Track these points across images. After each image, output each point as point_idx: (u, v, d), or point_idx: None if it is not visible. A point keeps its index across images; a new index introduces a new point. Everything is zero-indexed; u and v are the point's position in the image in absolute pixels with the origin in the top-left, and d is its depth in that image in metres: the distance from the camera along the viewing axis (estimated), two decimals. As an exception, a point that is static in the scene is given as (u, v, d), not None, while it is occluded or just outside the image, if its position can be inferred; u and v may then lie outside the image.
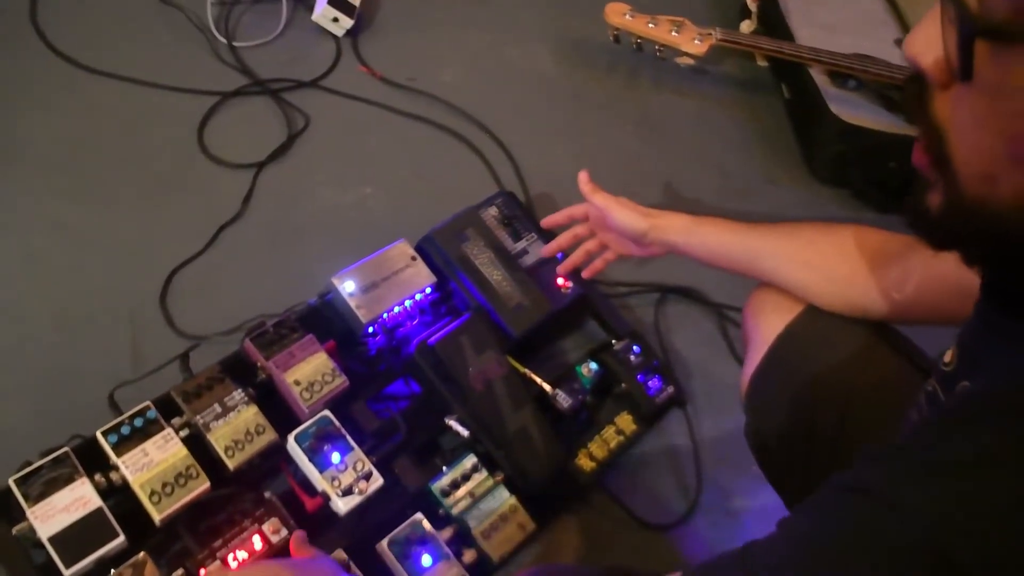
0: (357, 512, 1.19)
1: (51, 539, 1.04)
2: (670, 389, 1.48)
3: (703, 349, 1.65)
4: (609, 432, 1.42)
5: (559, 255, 1.42)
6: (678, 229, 1.19)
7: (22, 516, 1.06)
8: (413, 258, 1.38)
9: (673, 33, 1.92)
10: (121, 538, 1.06)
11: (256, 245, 1.57)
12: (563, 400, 1.36)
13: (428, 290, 1.37)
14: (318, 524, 1.19)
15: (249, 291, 1.47)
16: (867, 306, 1.06)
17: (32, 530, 1.05)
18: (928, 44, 0.55)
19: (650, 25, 1.92)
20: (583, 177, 1.27)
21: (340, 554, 1.13)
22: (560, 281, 1.46)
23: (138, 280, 1.47)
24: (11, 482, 1.07)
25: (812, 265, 1.09)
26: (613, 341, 1.48)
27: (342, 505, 1.17)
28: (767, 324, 1.15)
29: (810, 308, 1.11)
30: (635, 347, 1.48)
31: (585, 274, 1.39)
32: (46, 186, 1.56)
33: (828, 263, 1.08)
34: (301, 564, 1.03)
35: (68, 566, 1.03)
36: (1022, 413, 0.54)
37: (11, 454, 1.11)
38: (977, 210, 0.57)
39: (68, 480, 1.08)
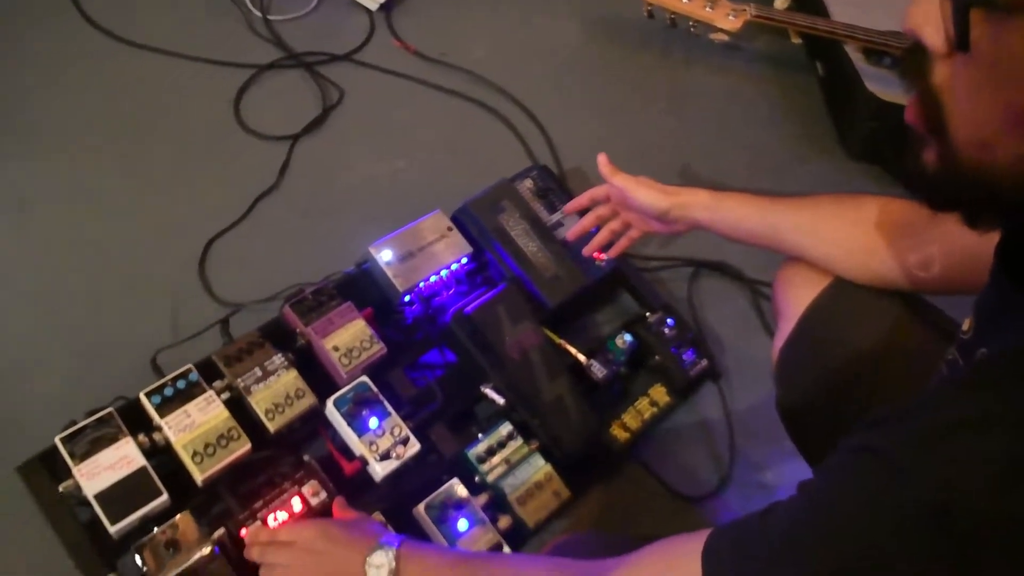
0: (394, 477, 1.21)
1: (97, 496, 1.06)
2: (704, 362, 1.48)
3: (736, 324, 1.65)
4: (643, 403, 1.42)
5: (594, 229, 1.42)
6: (701, 205, 1.19)
7: (68, 474, 1.08)
8: (449, 228, 1.38)
9: (707, 9, 1.91)
10: (165, 496, 1.08)
11: (292, 215, 1.58)
12: (598, 371, 1.37)
13: (464, 260, 1.38)
14: (356, 488, 1.20)
15: (286, 260, 1.48)
16: (891, 277, 1.06)
17: (78, 488, 1.08)
18: (927, 16, 0.56)
19: (684, 0, 1.91)
20: (602, 159, 1.27)
21: (378, 517, 1.15)
22: (595, 253, 1.46)
23: (176, 250, 1.48)
24: (57, 440, 1.09)
25: (834, 239, 1.09)
26: (647, 314, 1.48)
27: (379, 469, 1.18)
28: (796, 296, 1.15)
29: (838, 280, 1.11)
30: (669, 320, 1.48)
31: (611, 254, 1.39)
32: (84, 157, 1.58)
33: (850, 236, 1.08)
34: (347, 524, 1.04)
35: (113, 523, 1.05)
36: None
37: (55, 417, 1.13)
38: (973, 174, 0.58)
39: (113, 439, 1.10)
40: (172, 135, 1.65)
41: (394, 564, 0.92)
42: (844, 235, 1.09)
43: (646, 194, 1.22)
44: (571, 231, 1.41)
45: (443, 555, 0.99)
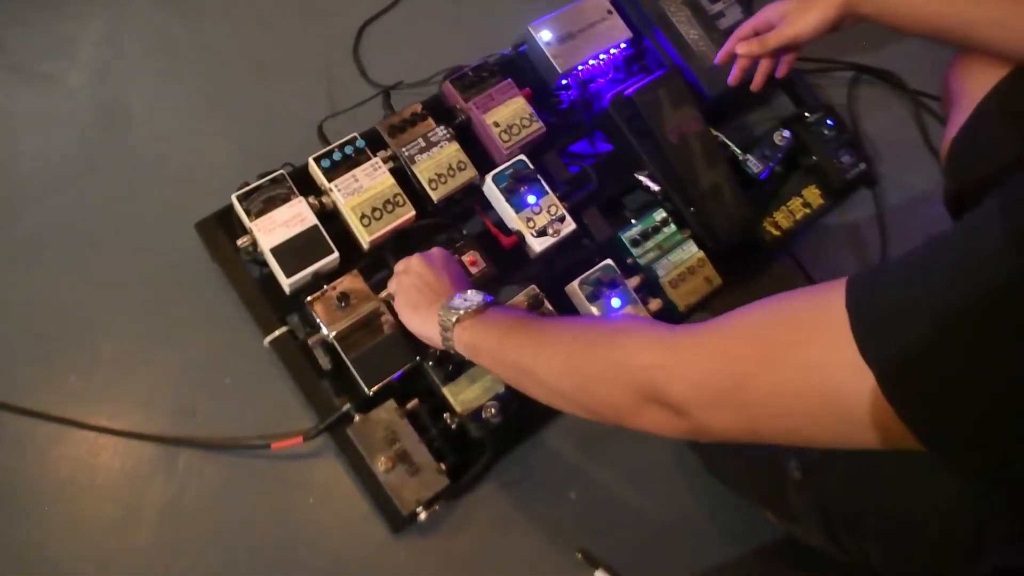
0: (548, 254, 1.22)
1: (273, 250, 1.11)
2: (862, 166, 1.43)
3: (895, 133, 1.58)
4: (795, 203, 1.39)
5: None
6: (873, 0, 1.09)
7: (244, 230, 1.14)
8: (609, 11, 1.34)
9: None
10: (335, 254, 1.12)
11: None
12: (754, 165, 1.34)
13: (623, 45, 1.34)
14: (512, 262, 1.23)
15: (439, 45, 1.47)
16: None
17: (254, 243, 1.13)
18: None
19: None
20: (741, 46, 1.20)
21: (533, 289, 1.17)
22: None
23: (330, 32, 1.48)
24: (234, 198, 1.13)
25: None
26: (806, 114, 1.43)
27: (536, 245, 1.20)
28: (974, 83, 1.08)
29: (1020, 69, 1.03)
30: (828, 120, 1.43)
31: (779, 74, 1.26)
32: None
33: None
34: (449, 269, 1.07)
35: (289, 275, 1.11)
36: None
37: (227, 181, 1.17)
38: None
39: (286, 199, 1.14)
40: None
41: (482, 305, 0.94)
42: None
43: (807, 23, 1.13)
44: (718, 56, 1.28)
45: (530, 313, 0.98)
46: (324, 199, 1.16)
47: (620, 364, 0.74)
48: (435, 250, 1.10)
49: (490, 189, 1.22)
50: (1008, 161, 1.03)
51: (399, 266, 1.08)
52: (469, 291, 0.98)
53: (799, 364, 0.61)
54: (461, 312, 0.93)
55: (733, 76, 1.26)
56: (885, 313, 0.58)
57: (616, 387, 0.75)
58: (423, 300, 1.01)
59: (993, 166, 1.05)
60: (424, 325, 1.00)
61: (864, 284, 0.60)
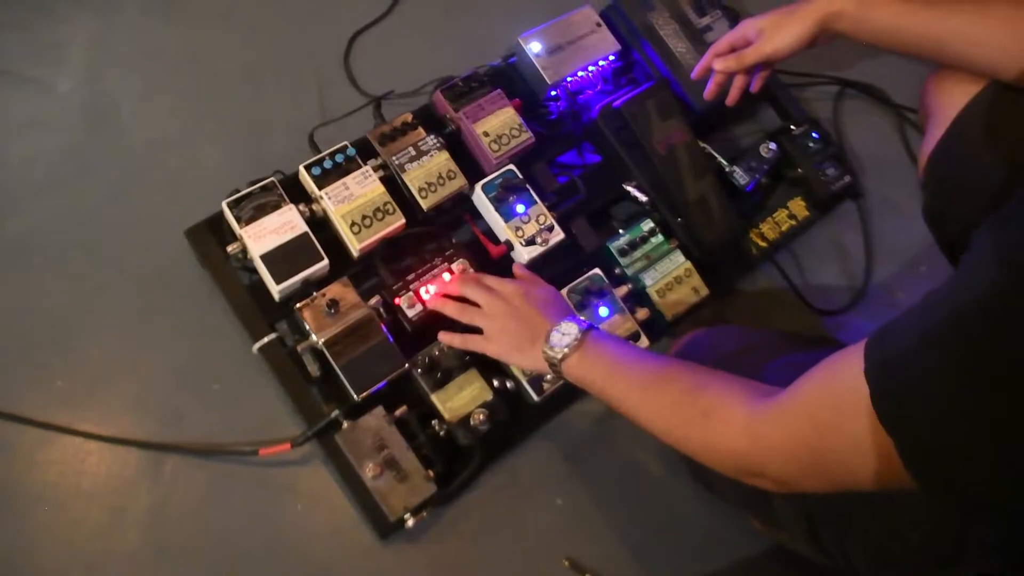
0: (537, 263, 1.23)
1: (263, 257, 1.11)
2: (847, 178, 1.45)
3: (879, 147, 1.60)
4: (781, 215, 1.41)
5: None
6: (848, 17, 1.10)
7: (234, 237, 1.14)
8: (598, 24, 1.35)
9: None
10: (325, 261, 1.13)
11: (436, 10, 1.56)
12: (740, 177, 1.35)
13: (611, 57, 1.35)
14: (500, 272, 1.23)
15: (430, 55, 1.48)
16: None
17: (244, 249, 1.13)
18: None
19: None
20: (719, 63, 1.22)
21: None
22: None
23: (321, 41, 1.49)
24: (224, 204, 1.14)
25: (1010, 49, 1.01)
26: (792, 126, 1.44)
27: (525, 254, 1.21)
28: (950, 98, 1.09)
29: (995, 83, 1.05)
30: (814, 133, 1.44)
31: (754, 89, 1.28)
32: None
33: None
34: (548, 295, 1.10)
35: (278, 282, 1.11)
36: None
37: (217, 188, 1.17)
38: None
39: (276, 206, 1.14)
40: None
41: (580, 337, 0.96)
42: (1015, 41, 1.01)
43: (784, 39, 1.15)
44: (695, 71, 1.29)
45: (627, 347, 0.98)
46: (314, 207, 1.16)
47: (716, 448, 0.83)
48: (510, 286, 1.10)
49: (479, 198, 1.22)
50: (985, 175, 1.04)
51: (486, 308, 1.09)
52: (563, 322, 0.99)
53: (849, 437, 0.68)
54: (566, 350, 0.96)
55: (709, 91, 1.28)
56: (894, 387, 0.65)
57: (718, 464, 0.84)
58: (524, 340, 1.03)
59: (971, 180, 1.06)
60: (534, 364, 1.02)
61: (875, 348, 0.68)
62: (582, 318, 1.01)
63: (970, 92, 1.07)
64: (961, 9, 1.04)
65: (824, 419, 0.71)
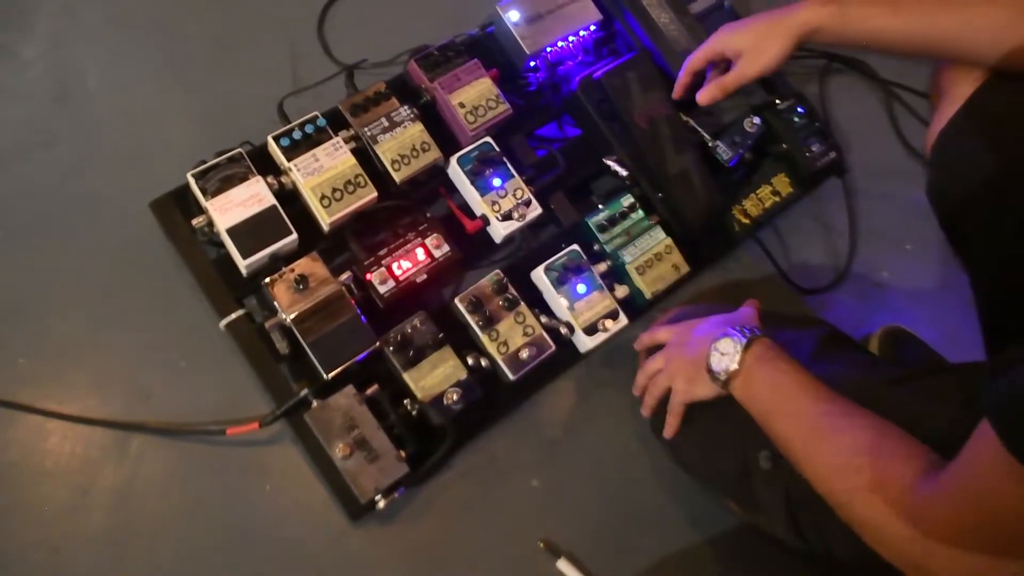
0: (514, 238, 1.20)
1: (229, 231, 1.08)
2: (832, 154, 1.42)
3: (865, 123, 1.58)
4: (765, 191, 1.38)
5: None
6: (827, 31, 1.09)
7: (200, 210, 1.10)
8: (579, -8, 1.32)
9: None
10: (294, 235, 1.10)
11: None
12: (723, 152, 1.32)
13: (592, 27, 1.31)
14: (476, 246, 1.21)
15: (406, 23, 1.44)
16: None
17: (210, 223, 1.09)
18: None
19: None
20: (703, 95, 1.22)
21: (498, 274, 1.15)
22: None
23: (294, 8, 1.44)
24: (189, 176, 1.10)
25: (1001, 40, 0.99)
26: (777, 100, 1.41)
27: (501, 229, 1.18)
28: (965, 76, 1.07)
29: None
30: (799, 108, 1.41)
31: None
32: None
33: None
34: (704, 321, 1.07)
35: (245, 256, 1.08)
36: None
37: (184, 160, 1.14)
38: None
39: (243, 178, 1.10)
40: None
41: (740, 357, 0.94)
42: (1014, 34, 0.98)
43: (765, 63, 1.13)
44: (675, 91, 1.29)
45: (792, 371, 0.92)
46: (283, 179, 1.13)
47: (874, 527, 0.79)
48: (669, 335, 1.10)
49: (455, 171, 1.19)
50: (995, 156, 1.02)
51: (660, 354, 1.09)
52: (721, 339, 0.96)
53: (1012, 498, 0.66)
54: (727, 375, 0.94)
55: (676, 93, 1.27)
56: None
57: (875, 545, 0.79)
58: (694, 375, 1.01)
59: (979, 161, 1.04)
60: (711, 392, 0.99)
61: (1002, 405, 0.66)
62: (736, 330, 0.97)
63: (984, 73, 1.04)
64: (941, 6, 1.03)
65: (990, 507, 0.69)
